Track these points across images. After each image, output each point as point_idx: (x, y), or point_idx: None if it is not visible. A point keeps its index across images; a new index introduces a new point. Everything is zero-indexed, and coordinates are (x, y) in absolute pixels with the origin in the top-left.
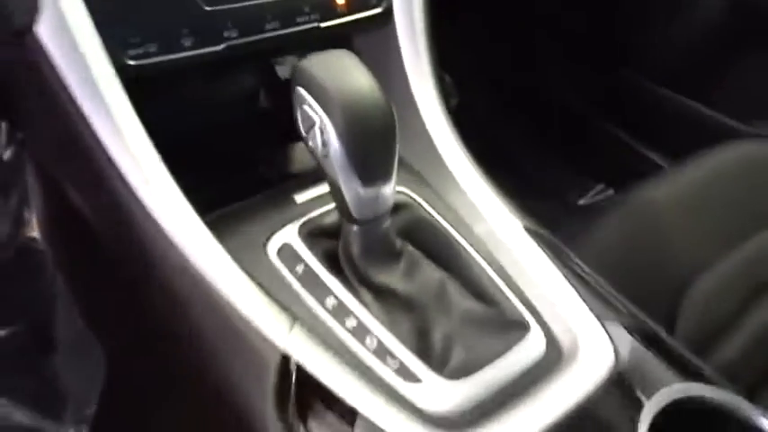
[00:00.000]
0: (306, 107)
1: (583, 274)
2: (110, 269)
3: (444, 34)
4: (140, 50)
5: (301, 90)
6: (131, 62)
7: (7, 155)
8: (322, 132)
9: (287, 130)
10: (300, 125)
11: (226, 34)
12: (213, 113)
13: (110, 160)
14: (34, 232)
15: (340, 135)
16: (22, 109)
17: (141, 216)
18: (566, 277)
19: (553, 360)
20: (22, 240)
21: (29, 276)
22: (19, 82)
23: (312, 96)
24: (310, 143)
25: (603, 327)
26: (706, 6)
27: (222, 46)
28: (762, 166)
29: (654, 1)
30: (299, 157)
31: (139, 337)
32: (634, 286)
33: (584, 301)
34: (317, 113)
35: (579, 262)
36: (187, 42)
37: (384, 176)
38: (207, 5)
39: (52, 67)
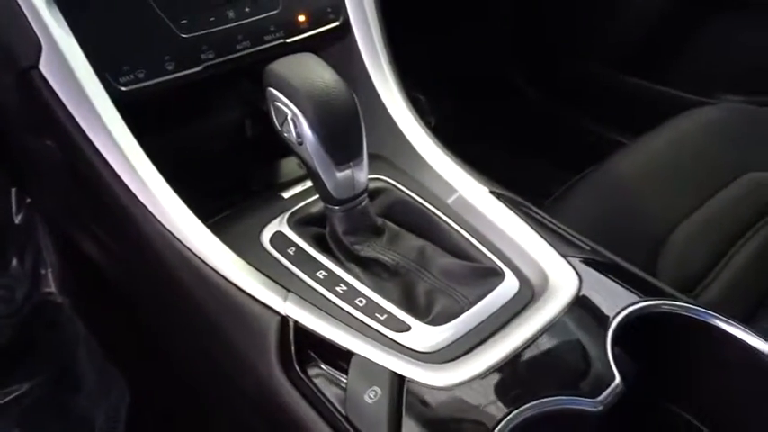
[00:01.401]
0: (278, 104)
1: (546, 222)
2: (122, 302)
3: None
4: (131, 77)
5: (272, 90)
6: (123, 88)
7: (19, 219)
8: (295, 124)
9: (270, 151)
10: (275, 120)
11: (203, 57)
12: (206, 144)
13: (117, 179)
14: (50, 287)
15: (311, 124)
16: (29, 166)
17: (149, 225)
18: (530, 226)
19: (526, 296)
20: (39, 297)
21: (49, 328)
22: (26, 128)
23: (282, 93)
24: (285, 135)
25: (568, 261)
26: None
27: (201, 67)
28: (719, 127)
29: None
30: (284, 171)
31: (155, 352)
32: (613, 245)
33: (549, 243)
34: (288, 108)
35: (542, 212)
36: (170, 66)
37: (355, 156)
38: (183, 33)
39: (58, 100)
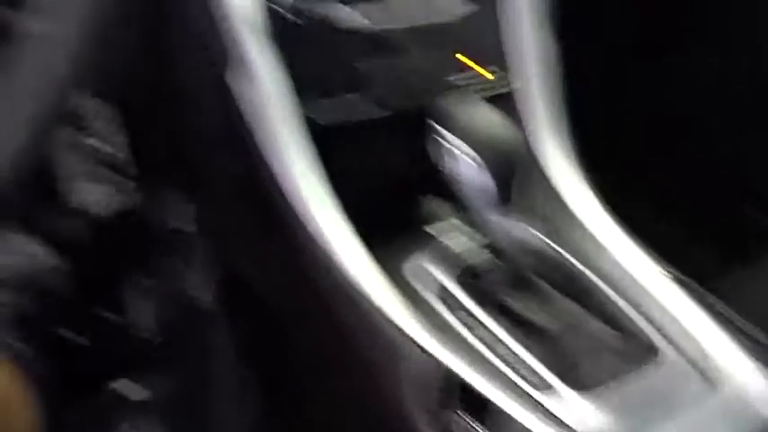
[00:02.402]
0: (439, 138)
1: (724, 312)
2: (271, 317)
3: None
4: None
5: (435, 124)
6: (320, 122)
7: (176, 224)
8: (455, 161)
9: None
10: (435, 155)
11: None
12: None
13: (292, 201)
14: (197, 293)
15: (474, 160)
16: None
17: (314, 251)
18: (704, 311)
19: (693, 385)
20: (185, 301)
21: (191, 331)
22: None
23: (445, 128)
24: (445, 170)
25: (749, 356)
26: None
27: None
28: None
29: None
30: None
31: (296, 375)
32: None
33: (725, 330)
34: (450, 144)
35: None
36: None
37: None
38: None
39: (246, 115)
